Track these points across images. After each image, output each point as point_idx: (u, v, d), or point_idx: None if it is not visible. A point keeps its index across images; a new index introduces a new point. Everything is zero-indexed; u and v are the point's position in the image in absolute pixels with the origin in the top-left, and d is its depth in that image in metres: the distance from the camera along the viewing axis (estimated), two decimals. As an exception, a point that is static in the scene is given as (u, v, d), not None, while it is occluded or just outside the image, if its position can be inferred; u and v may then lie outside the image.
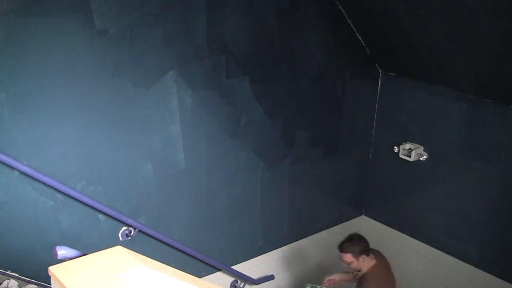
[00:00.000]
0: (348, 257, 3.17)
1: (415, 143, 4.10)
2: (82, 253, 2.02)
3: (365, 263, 3.20)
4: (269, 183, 3.87)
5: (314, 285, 3.25)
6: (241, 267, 3.94)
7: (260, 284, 4.13)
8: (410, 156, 4.06)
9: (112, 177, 3.07)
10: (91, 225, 3.06)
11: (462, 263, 3.97)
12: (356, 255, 3.15)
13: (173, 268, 2.06)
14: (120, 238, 3.13)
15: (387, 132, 4.31)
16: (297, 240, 4.27)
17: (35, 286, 2.81)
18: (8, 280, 2.72)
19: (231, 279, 3.92)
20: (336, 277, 3.44)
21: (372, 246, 4.65)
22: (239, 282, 3.96)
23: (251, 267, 4.01)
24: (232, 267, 3.85)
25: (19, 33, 2.55)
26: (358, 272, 3.25)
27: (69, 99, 2.78)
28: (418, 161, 4.08)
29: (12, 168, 2.66)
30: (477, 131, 3.71)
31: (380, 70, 4.27)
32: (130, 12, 2.87)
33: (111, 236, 3.11)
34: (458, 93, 3.73)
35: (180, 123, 3.25)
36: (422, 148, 4.07)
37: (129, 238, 3.15)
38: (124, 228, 3.16)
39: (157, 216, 3.34)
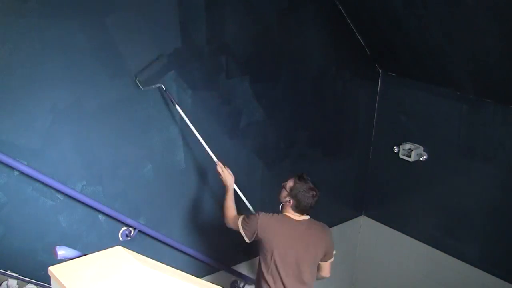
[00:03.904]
0: (286, 185, 2.87)
1: (415, 143, 4.10)
2: (82, 253, 2.02)
3: (286, 206, 2.87)
4: (269, 183, 3.87)
5: None
6: (241, 267, 3.94)
7: (260, 284, 4.13)
8: (410, 156, 4.06)
9: (112, 177, 3.07)
10: (91, 225, 3.06)
11: (462, 263, 3.97)
12: (288, 191, 2.84)
13: (173, 268, 2.06)
14: (120, 238, 3.13)
15: (387, 132, 4.31)
16: (297, 240, 4.26)
17: (35, 286, 2.81)
18: (7, 281, 2.72)
19: (231, 279, 3.92)
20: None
21: (372, 246, 4.67)
22: (239, 282, 3.96)
23: (251, 267, 4.01)
24: (232, 267, 3.85)
25: (18, 33, 2.55)
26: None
27: (69, 99, 2.79)
28: (418, 161, 4.07)
29: (12, 168, 2.66)
30: (477, 131, 3.71)
31: (380, 70, 4.27)
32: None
33: (111, 236, 3.12)
34: (458, 93, 3.72)
35: (180, 123, 3.26)
36: (422, 148, 4.07)
37: (129, 238, 3.15)
38: (124, 228, 3.16)
39: (157, 216, 3.34)
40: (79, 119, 2.85)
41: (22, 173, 2.69)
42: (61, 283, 1.51)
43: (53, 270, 1.58)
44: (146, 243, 3.30)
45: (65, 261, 1.75)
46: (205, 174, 3.50)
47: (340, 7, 3.82)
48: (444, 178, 4.00)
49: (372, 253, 4.70)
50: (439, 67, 3.69)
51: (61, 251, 1.89)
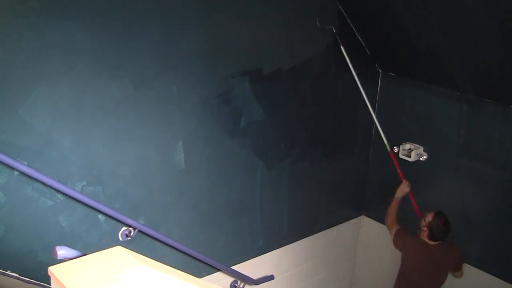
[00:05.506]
0: (425, 217, 3.67)
1: (415, 143, 4.10)
2: (82, 253, 2.02)
3: (423, 233, 3.67)
4: (269, 183, 3.87)
5: None
6: (241, 267, 3.94)
7: (260, 284, 4.13)
8: (410, 156, 4.06)
9: (112, 177, 3.07)
10: (91, 225, 3.06)
11: (462, 263, 3.97)
12: (424, 223, 3.66)
13: (173, 268, 2.06)
14: (120, 238, 3.13)
15: (387, 132, 4.31)
16: (297, 240, 4.26)
17: (35, 286, 2.81)
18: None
19: (231, 279, 3.92)
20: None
21: (372, 246, 4.68)
22: (239, 282, 3.96)
23: (251, 267, 4.01)
24: (232, 267, 3.85)
25: (18, 34, 2.55)
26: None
27: (69, 99, 2.79)
28: (418, 161, 4.07)
29: (12, 168, 2.66)
30: (477, 131, 3.71)
31: (380, 70, 4.27)
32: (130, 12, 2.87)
33: (111, 236, 3.11)
34: (458, 93, 3.73)
35: (180, 123, 3.26)
36: (422, 148, 4.07)
37: (129, 238, 3.15)
38: (124, 228, 3.16)
39: (157, 216, 3.34)
40: (79, 119, 2.85)
41: (22, 173, 2.69)
42: (61, 283, 1.51)
43: (53, 270, 1.58)
44: (146, 243, 3.30)
45: (65, 261, 1.75)
46: (205, 174, 3.50)
47: (340, 7, 3.81)
48: (444, 178, 4.00)
49: (372, 253, 4.70)
50: (439, 67, 3.69)
51: (61, 251, 1.89)
